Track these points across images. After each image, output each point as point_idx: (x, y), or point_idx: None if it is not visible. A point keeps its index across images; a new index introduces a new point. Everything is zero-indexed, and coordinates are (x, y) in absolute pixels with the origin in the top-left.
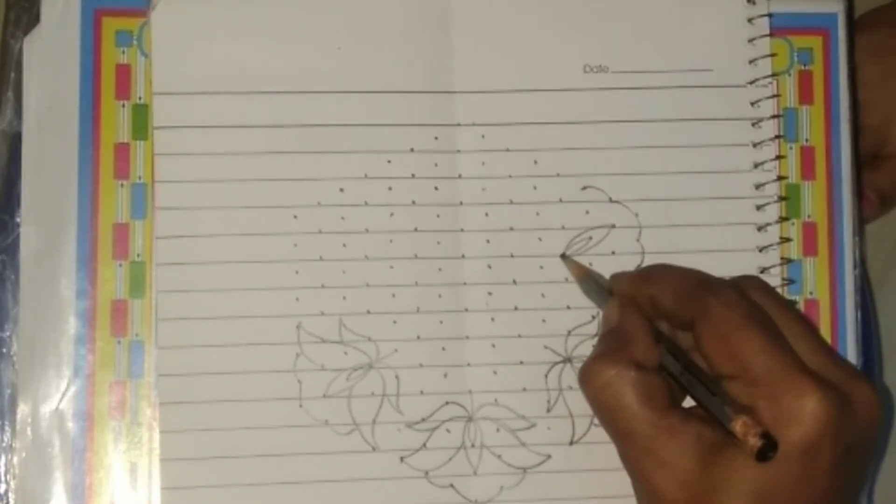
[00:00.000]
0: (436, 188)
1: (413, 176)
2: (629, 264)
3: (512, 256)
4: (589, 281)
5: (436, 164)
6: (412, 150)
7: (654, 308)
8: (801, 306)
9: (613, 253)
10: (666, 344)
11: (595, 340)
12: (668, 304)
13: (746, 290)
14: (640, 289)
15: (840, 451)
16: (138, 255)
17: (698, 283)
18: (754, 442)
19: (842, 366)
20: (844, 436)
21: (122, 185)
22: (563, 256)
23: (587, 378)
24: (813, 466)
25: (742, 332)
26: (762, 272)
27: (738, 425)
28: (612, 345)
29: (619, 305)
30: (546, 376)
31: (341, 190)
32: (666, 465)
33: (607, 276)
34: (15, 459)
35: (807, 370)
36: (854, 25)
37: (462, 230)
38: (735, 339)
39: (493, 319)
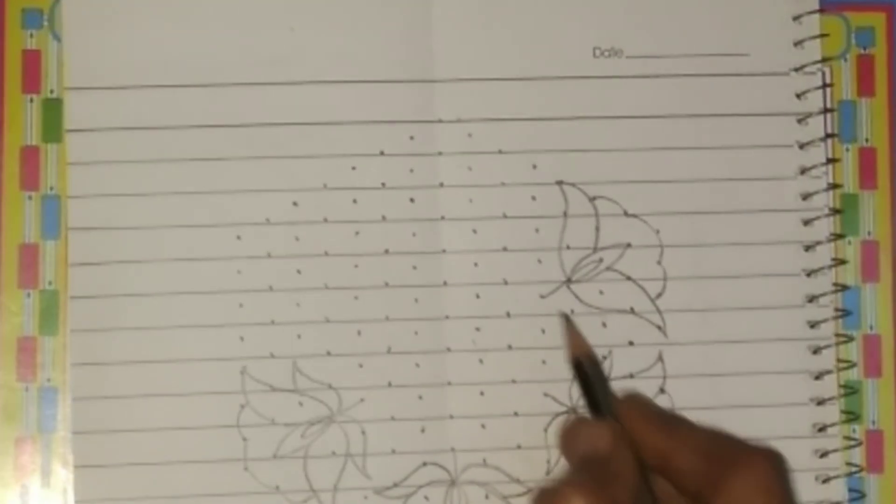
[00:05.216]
0: (411, 200)
1: (383, 185)
2: (648, 291)
3: (505, 283)
4: (583, 366)
5: (411, 170)
6: (382, 152)
7: (665, 463)
8: (860, 342)
9: (629, 279)
10: (641, 496)
11: None
12: (687, 463)
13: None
14: (655, 439)
15: None
16: (50, 283)
17: (732, 442)
18: None
19: None
20: None
21: (29, 197)
22: (566, 319)
23: (550, 500)
24: None
25: None
26: (811, 301)
27: None
28: (594, 476)
29: (615, 436)
30: (545, 431)
31: (295, 203)
32: None
33: (621, 300)
34: None
35: None
36: None
37: (444, 251)
38: None
39: (481, 361)
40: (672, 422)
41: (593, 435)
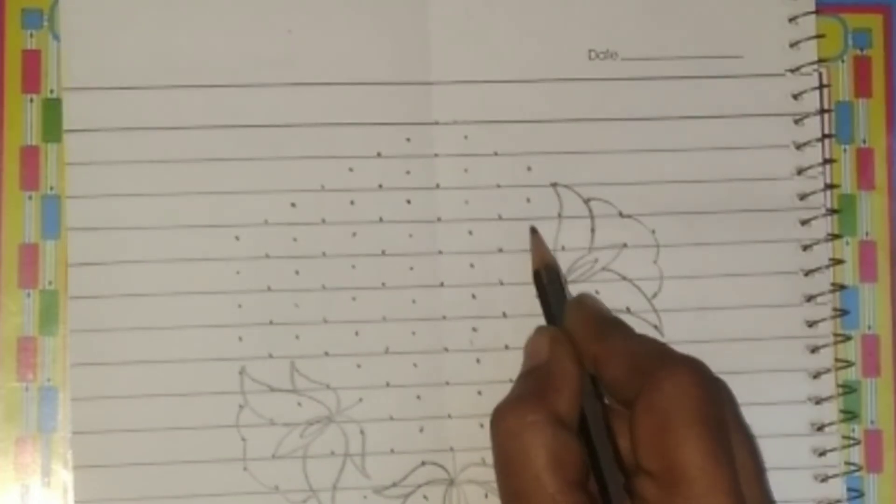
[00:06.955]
0: (408, 201)
1: (380, 186)
2: (644, 291)
3: (501, 284)
4: (543, 274)
5: (408, 172)
6: (379, 154)
7: (598, 371)
8: (858, 342)
9: (625, 279)
10: (585, 403)
11: None
12: (615, 371)
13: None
14: (589, 343)
15: None
16: (50, 283)
17: (657, 352)
18: None
19: None
20: None
21: (29, 197)
22: (533, 230)
23: (498, 419)
24: None
25: (689, 430)
26: (808, 300)
27: None
28: (534, 387)
29: (553, 341)
30: None
31: (293, 205)
32: None
33: (617, 300)
34: None
35: None
36: None
37: (440, 252)
38: (676, 438)
39: (478, 361)
40: (607, 329)
41: (534, 344)
